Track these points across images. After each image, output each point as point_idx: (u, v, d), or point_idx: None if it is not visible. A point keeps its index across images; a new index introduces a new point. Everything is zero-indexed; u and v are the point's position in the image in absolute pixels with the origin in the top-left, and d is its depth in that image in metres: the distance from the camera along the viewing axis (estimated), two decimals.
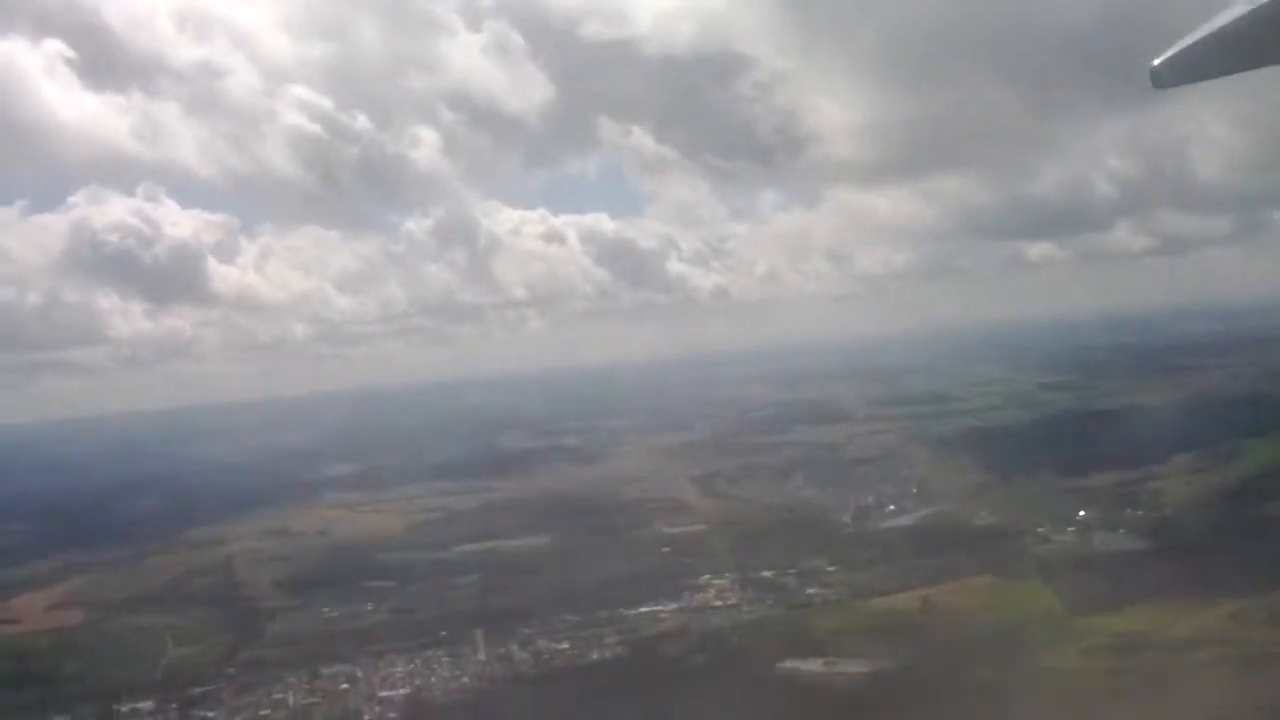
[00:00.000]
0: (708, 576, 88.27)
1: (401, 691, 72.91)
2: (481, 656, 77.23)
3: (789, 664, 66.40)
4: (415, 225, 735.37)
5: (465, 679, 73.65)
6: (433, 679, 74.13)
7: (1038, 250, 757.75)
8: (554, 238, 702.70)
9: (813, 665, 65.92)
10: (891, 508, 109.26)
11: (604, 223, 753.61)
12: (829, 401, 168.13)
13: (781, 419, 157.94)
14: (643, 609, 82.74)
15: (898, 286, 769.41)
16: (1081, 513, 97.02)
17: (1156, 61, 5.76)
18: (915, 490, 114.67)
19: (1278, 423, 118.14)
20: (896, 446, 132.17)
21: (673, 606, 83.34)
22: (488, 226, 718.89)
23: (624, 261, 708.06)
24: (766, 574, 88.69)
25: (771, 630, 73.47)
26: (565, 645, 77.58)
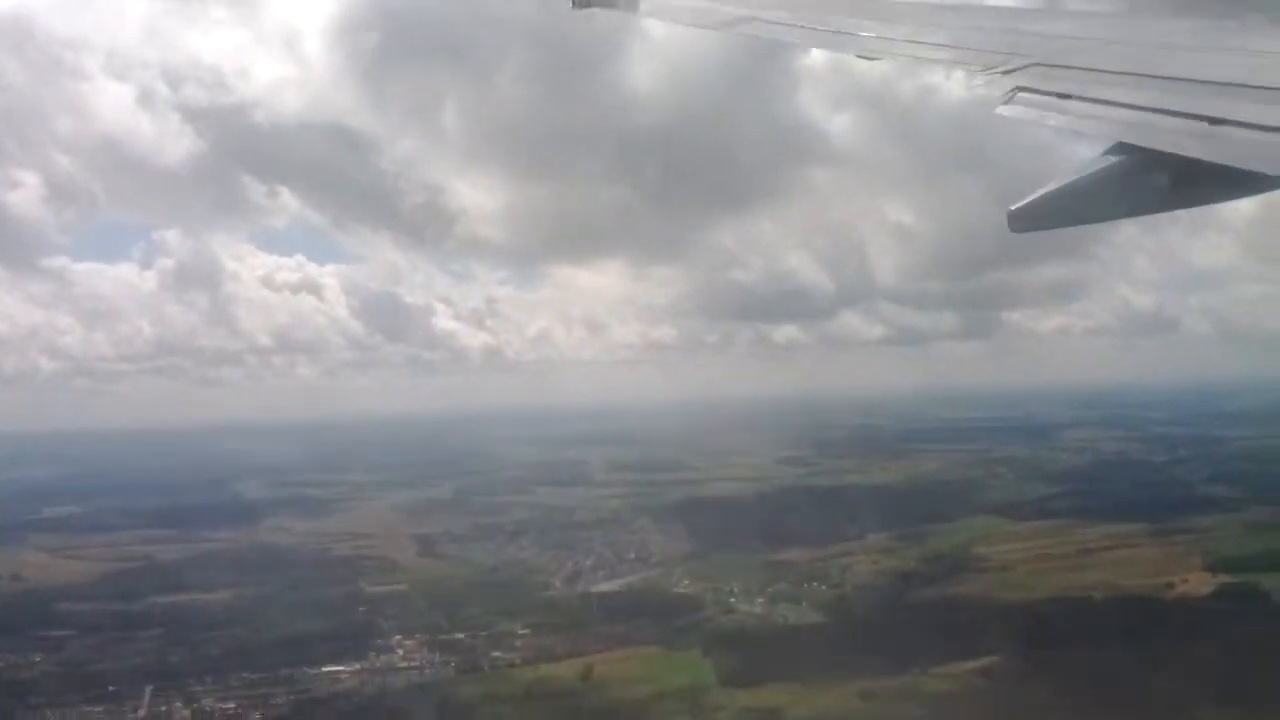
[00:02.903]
0: (399, 637, 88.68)
1: None
2: (142, 714, 75.55)
3: None
4: (166, 261, 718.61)
5: None
6: None
7: (782, 333, 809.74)
8: (308, 285, 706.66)
9: None
10: (602, 572, 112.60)
11: (360, 274, 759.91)
12: (574, 464, 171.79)
13: (525, 480, 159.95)
14: (324, 669, 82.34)
15: (659, 359, 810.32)
16: (772, 586, 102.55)
17: (1012, 208, 6.02)
18: (631, 555, 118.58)
19: (967, 509, 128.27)
20: (626, 512, 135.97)
21: (355, 667, 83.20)
22: (234, 269, 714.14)
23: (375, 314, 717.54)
24: (459, 636, 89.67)
25: (437, 694, 74.46)
26: (231, 705, 76.61)
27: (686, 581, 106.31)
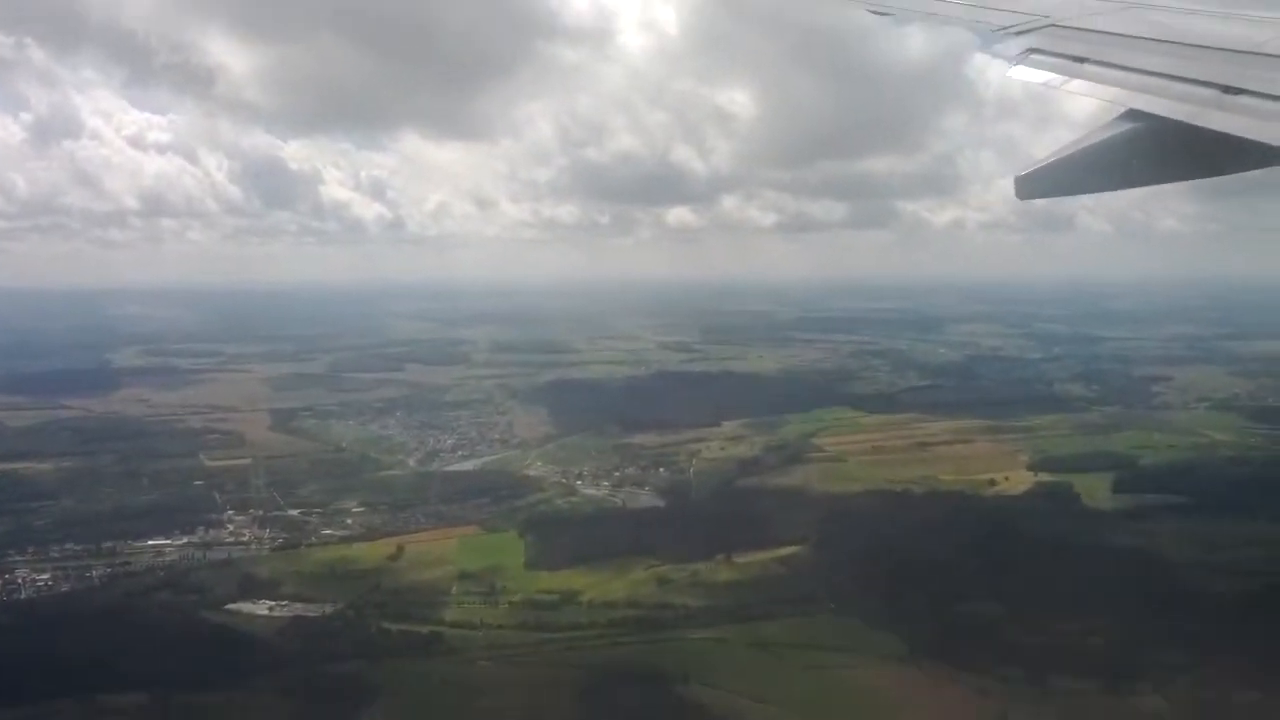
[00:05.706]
0: (231, 512, 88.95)
1: None
2: None
3: (235, 605, 68.27)
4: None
5: None
6: None
7: (675, 216, 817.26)
8: (183, 149, 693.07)
9: (258, 607, 67.99)
10: (461, 452, 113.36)
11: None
12: (459, 343, 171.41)
13: (405, 357, 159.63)
14: (149, 542, 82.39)
15: (561, 237, 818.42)
16: (620, 469, 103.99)
17: (1020, 174, 6.01)
18: (494, 436, 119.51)
19: (827, 399, 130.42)
20: (497, 392, 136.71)
21: (182, 541, 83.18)
22: (94, 126, 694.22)
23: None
24: (293, 513, 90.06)
25: (251, 569, 74.72)
26: (46, 576, 76.52)
27: (539, 464, 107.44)
